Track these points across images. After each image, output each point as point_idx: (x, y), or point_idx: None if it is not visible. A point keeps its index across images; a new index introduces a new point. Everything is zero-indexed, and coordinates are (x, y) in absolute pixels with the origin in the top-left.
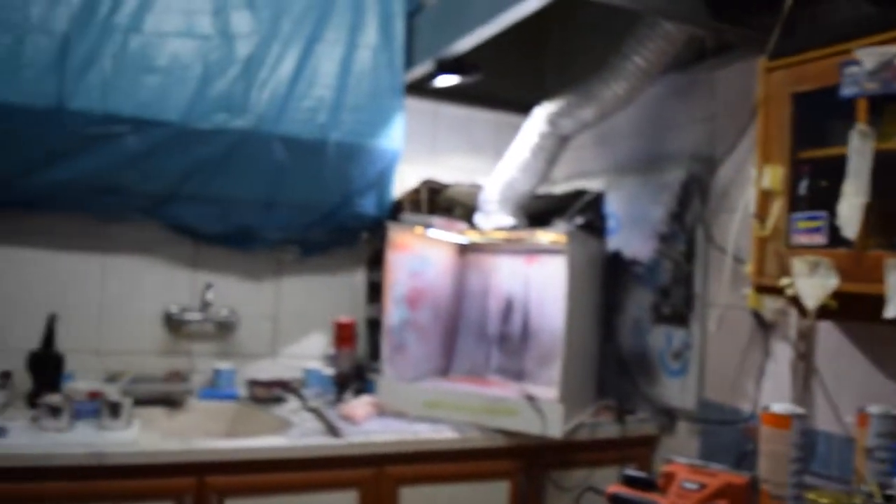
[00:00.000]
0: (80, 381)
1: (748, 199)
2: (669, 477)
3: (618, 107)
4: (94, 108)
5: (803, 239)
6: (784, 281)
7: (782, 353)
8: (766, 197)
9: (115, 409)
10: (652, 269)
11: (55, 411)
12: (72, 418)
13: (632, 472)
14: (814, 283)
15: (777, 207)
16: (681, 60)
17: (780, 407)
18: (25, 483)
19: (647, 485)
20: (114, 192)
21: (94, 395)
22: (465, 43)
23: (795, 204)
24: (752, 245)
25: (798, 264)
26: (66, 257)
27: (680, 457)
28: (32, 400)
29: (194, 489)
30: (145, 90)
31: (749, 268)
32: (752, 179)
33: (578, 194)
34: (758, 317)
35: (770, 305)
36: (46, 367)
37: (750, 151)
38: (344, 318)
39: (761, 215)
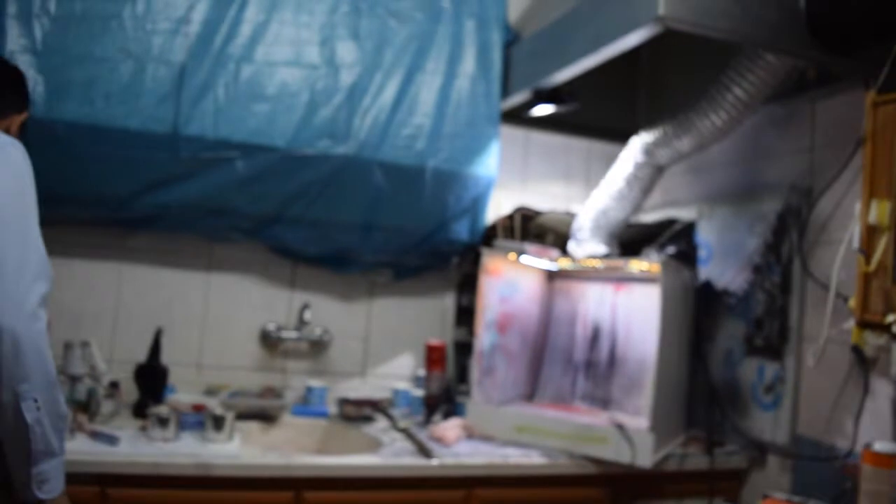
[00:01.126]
0: (182, 394)
1: (852, 233)
2: None
3: (715, 138)
4: (207, 134)
5: None
6: (890, 318)
7: (882, 391)
8: (871, 232)
9: (218, 423)
10: (745, 301)
11: (163, 422)
12: (178, 429)
13: None
14: None
15: (883, 243)
16: (780, 90)
17: (884, 446)
18: (135, 489)
19: None
20: (221, 214)
21: (199, 408)
22: (563, 74)
23: None
24: (857, 280)
25: None
26: (172, 274)
27: (778, 492)
28: (139, 410)
29: (292, 503)
30: (255, 117)
31: (852, 303)
32: (857, 214)
33: (670, 223)
34: (858, 352)
35: (872, 341)
36: (153, 378)
37: (851, 184)
38: (435, 341)
39: (867, 250)
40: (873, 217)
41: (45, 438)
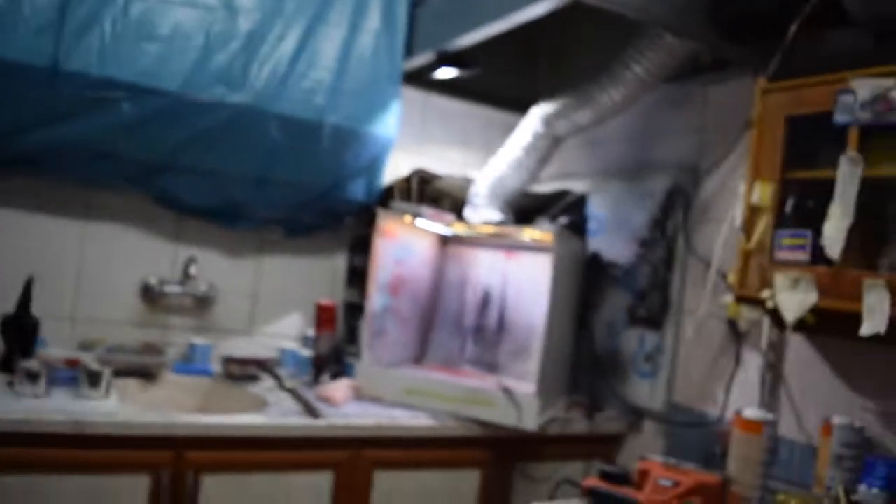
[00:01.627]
0: (54, 348)
1: (734, 212)
2: (644, 474)
3: (613, 113)
4: (91, 72)
5: (787, 255)
6: (765, 293)
7: (752, 362)
8: (753, 212)
9: (94, 379)
10: (630, 273)
11: (33, 377)
12: (48, 385)
13: (608, 467)
14: (794, 298)
15: (763, 223)
16: (676, 72)
17: (753, 413)
18: (1, 448)
19: (622, 480)
20: (105, 159)
21: (72, 363)
22: (468, 38)
23: (781, 221)
24: (737, 257)
25: (780, 279)
26: (46, 220)
27: (653, 454)
28: (6, 365)
29: (172, 463)
30: (145, 57)
31: (731, 278)
32: (741, 194)
33: (563, 194)
34: (732, 326)
35: (747, 316)
36: (21, 331)
37: (736, 166)
38: (326, 301)
39: (748, 229)
40: (756, 197)
41: None
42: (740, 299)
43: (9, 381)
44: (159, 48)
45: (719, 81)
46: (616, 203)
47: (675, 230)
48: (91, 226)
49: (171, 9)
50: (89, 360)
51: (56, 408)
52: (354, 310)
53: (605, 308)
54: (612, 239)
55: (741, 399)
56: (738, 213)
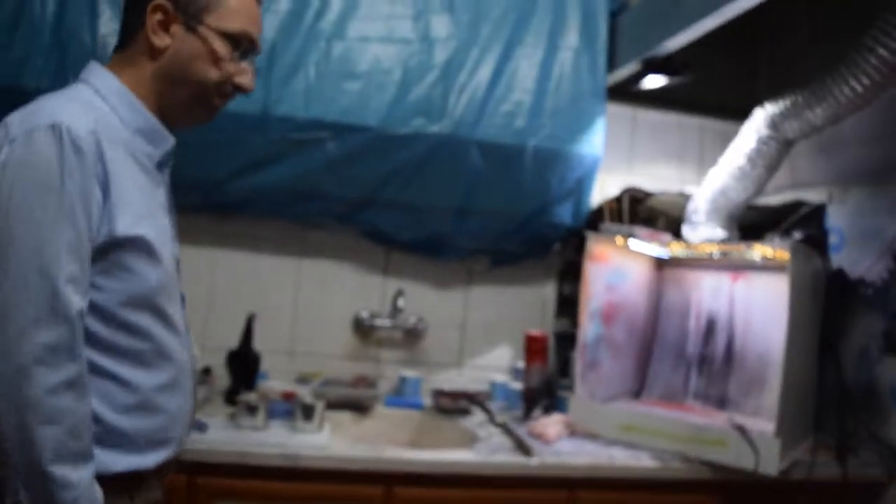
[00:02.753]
0: (274, 381)
1: None
2: None
3: (855, 107)
4: (298, 114)
5: None
6: None
7: None
8: None
9: (308, 412)
10: (884, 292)
11: (252, 410)
12: (267, 418)
13: None
14: None
15: None
16: None
17: None
18: (221, 478)
19: None
20: (313, 198)
21: (288, 396)
22: (675, 42)
23: None
24: None
25: None
26: (265, 259)
27: None
28: (230, 397)
29: (382, 498)
30: (346, 96)
31: None
32: None
33: (796, 206)
34: None
35: None
36: (245, 365)
37: None
38: (535, 332)
39: None
40: None
41: None
42: None
43: (231, 413)
44: (360, 86)
45: None
46: (860, 213)
47: None
48: (305, 262)
49: (369, 46)
50: (305, 394)
51: (271, 440)
52: (566, 340)
53: (855, 334)
54: (858, 254)
55: None
56: None
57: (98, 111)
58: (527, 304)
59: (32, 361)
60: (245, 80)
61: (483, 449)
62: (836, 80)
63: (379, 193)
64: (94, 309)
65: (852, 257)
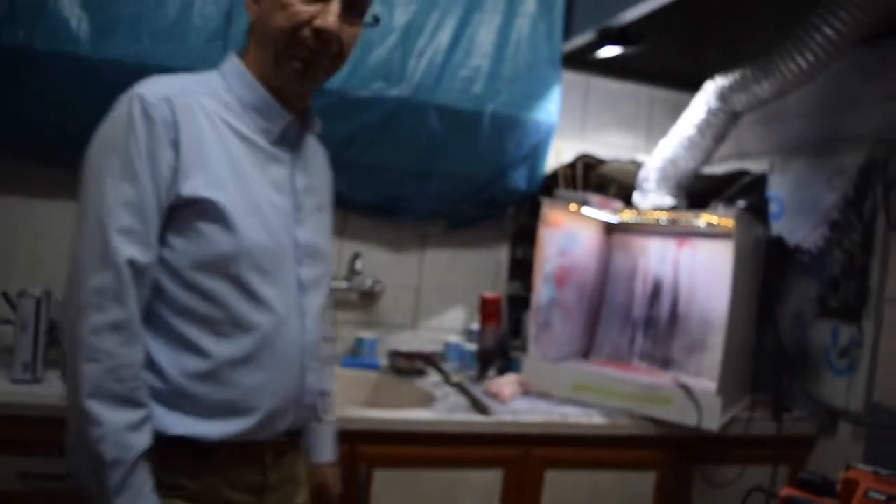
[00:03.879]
0: None
1: None
2: (851, 484)
3: (800, 83)
4: None
5: None
6: None
7: None
8: None
9: None
10: (819, 259)
11: None
12: None
13: (806, 474)
14: None
15: None
16: (870, 32)
17: None
18: None
19: (824, 490)
20: None
21: None
22: (632, 13)
23: None
24: None
25: None
26: None
27: (862, 464)
28: None
29: (346, 457)
30: None
31: None
32: None
33: (740, 175)
34: None
35: None
36: None
37: None
38: (490, 294)
39: None
40: None
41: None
42: None
43: None
44: None
45: None
46: (799, 183)
47: (874, 210)
48: None
49: None
50: None
51: None
52: (518, 302)
53: (792, 298)
54: (796, 222)
55: None
56: None
57: (206, 87)
58: (481, 266)
59: (85, 303)
60: (321, 20)
61: (441, 408)
62: (783, 56)
63: (338, 156)
64: (166, 267)
65: (791, 225)
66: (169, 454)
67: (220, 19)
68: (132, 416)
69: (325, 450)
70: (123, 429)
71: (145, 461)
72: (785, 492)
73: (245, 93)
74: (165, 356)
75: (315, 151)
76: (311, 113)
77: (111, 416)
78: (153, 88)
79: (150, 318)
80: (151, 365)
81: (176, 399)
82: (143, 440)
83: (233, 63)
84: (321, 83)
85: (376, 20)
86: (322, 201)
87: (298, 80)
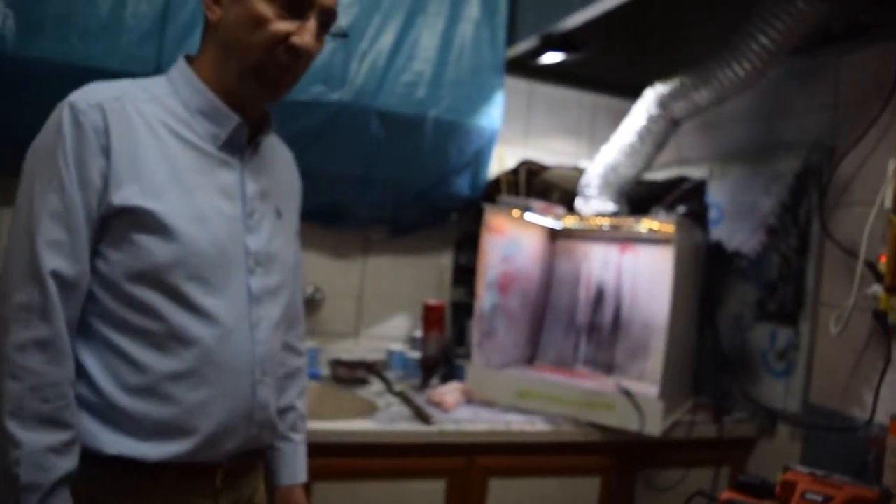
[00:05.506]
0: None
1: (883, 193)
2: (789, 486)
3: (737, 90)
4: None
5: None
6: None
7: None
8: None
9: None
10: (758, 264)
11: None
12: None
13: (745, 476)
14: None
15: None
16: (804, 43)
17: None
18: None
19: (763, 492)
20: None
21: None
22: (574, 19)
23: None
24: (888, 243)
25: None
26: None
27: (791, 463)
28: None
29: None
30: None
31: (882, 267)
32: (890, 172)
33: (680, 181)
34: (880, 319)
35: None
36: None
37: (878, 143)
38: (434, 301)
39: None
40: None
41: None
42: (893, 290)
43: None
44: None
45: (853, 51)
46: (738, 189)
47: (809, 216)
48: None
49: None
50: None
51: None
52: (463, 309)
53: (731, 302)
54: (735, 228)
55: (893, 400)
56: (887, 194)
57: (148, 92)
58: (424, 273)
59: (10, 317)
60: (299, 39)
61: (383, 418)
62: (721, 65)
63: None
64: (100, 278)
65: (730, 231)
66: (107, 477)
67: (155, 19)
68: (55, 437)
69: (293, 471)
70: (44, 451)
71: (66, 485)
72: (725, 495)
73: (192, 97)
74: (101, 370)
75: (278, 155)
76: (266, 117)
77: (30, 438)
78: (86, 95)
79: (85, 331)
80: (86, 379)
81: (111, 415)
82: (66, 463)
83: (180, 67)
84: (283, 96)
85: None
86: (283, 206)
87: (262, 94)
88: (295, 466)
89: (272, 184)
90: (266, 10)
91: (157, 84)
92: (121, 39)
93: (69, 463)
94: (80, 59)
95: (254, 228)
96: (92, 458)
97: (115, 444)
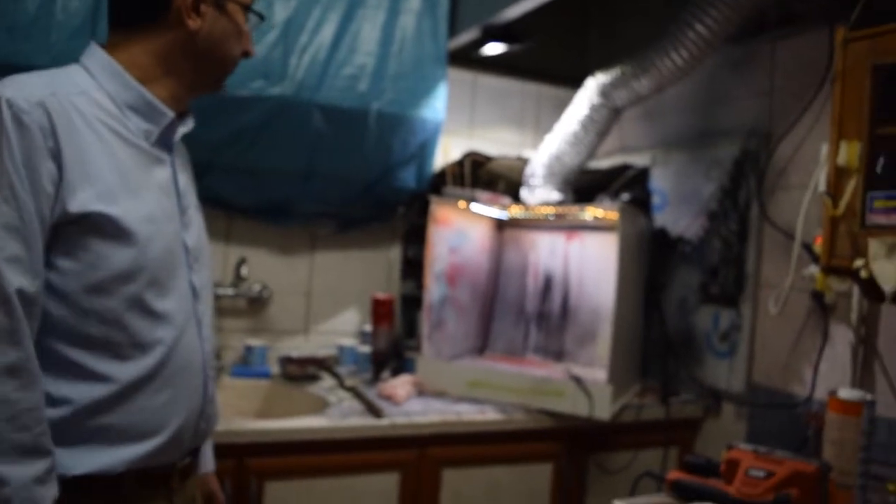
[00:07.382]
0: None
1: (818, 176)
2: (733, 464)
3: (676, 78)
4: None
5: (881, 219)
6: (858, 262)
7: (841, 338)
8: (839, 174)
9: None
10: (700, 248)
11: None
12: None
13: (691, 457)
14: (892, 266)
15: (852, 186)
16: (739, 31)
17: (850, 393)
18: None
19: (708, 471)
20: None
21: None
22: (515, 10)
23: (872, 182)
24: (823, 224)
25: (875, 245)
26: None
27: (737, 441)
28: None
29: (234, 471)
30: None
31: (817, 248)
32: (824, 156)
33: (623, 169)
34: (817, 299)
35: (836, 287)
36: None
37: (812, 127)
38: (382, 295)
39: (834, 194)
40: (842, 159)
41: None
42: (828, 270)
43: None
44: None
45: (787, 38)
46: (680, 176)
47: (748, 200)
48: None
49: None
50: None
51: None
52: (412, 302)
53: (675, 287)
54: (678, 213)
55: (831, 377)
56: (821, 178)
57: (75, 86)
58: (372, 267)
59: None
60: (251, 46)
61: (334, 413)
62: (659, 53)
63: (218, 158)
64: (57, 294)
65: (674, 216)
66: (80, 497)
67: (86, 14)
68: (38, 467)
69: (206, 459)
70: (31, 483)
71: None
72: (672, 475)
73: (121, 92)
74: (60, 388)
75: (179, 145)
76: (188, 112)
77: (17, 472)
78: (21, 90)
79: (40, 351)
80: (50, 401)
81: (79, 433)
82: (50, 492)
83: (100, 58)
84: None
85: (261, 18)
86: (195, 200)
87: (208, 92)
88: (208, 454)
89: (187, 176)
90: (244, 24)
91: (76, 74)
92: (51, 36)
93: (53, 491)
94: (7, 57)
95: (188, 225)
96: (62, 485)
97: (83, 462)
